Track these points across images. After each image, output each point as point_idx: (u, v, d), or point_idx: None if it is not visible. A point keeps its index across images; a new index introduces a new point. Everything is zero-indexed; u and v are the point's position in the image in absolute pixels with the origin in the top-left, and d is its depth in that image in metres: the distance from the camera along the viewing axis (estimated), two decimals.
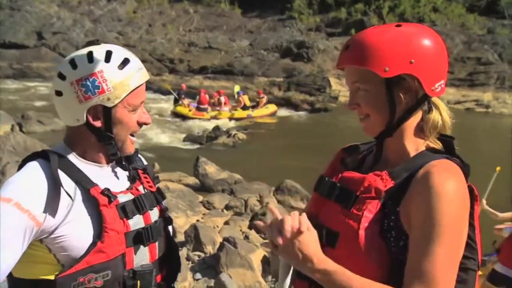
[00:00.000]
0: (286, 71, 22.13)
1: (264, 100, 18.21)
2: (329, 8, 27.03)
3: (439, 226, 1.15)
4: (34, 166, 1.31)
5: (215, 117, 17.20)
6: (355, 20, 25.14)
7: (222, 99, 17.64)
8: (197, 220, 7.40)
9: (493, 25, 24.01)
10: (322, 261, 1.18)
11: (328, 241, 1.26)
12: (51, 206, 1.26)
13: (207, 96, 17.79)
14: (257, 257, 5.81)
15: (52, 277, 1.27)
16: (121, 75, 1.34)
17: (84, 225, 1.31)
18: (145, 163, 1.57)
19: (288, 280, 1.31)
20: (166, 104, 19.13)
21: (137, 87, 1.37)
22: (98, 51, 1.36)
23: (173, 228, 1.67)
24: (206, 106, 17.52)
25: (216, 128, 15.25)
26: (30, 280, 1.31)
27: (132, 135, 1.42)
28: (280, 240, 1.16)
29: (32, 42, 25.38)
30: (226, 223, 7.30)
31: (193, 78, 22.38)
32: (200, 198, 8.72)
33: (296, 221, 1.18)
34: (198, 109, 17.48)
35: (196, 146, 14.26)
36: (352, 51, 1.27)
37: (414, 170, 1.24)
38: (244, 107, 17.68)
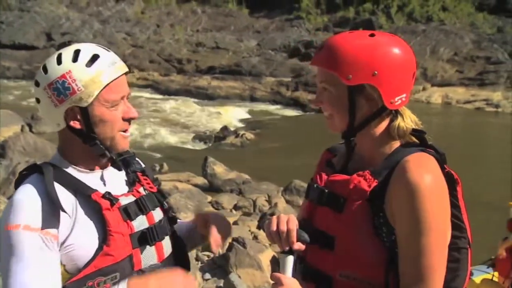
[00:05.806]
0: (294, 71, 22.07)
1: None
2: (337, 7, 26.95)
3: (423, 222, 1.22)
4: (28, 187, 1.30)
5: None
6: (363, 19, 25.04)
7: None
8: None
9: (502, 23, 23.80)
10: None
11: (327, 245, 1.32)
12: (55, 220, 1.27)
13: None
14: (266, 257, 5.80)
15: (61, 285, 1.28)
16: (90, 72, 1.30)
17: (88, 232, 1.31)
18: (143, 165, 1.56)
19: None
20: (175, 104, 19.17)
21: (111, 82, 1.32)
22: (67, 51, 1.33)
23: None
24: None
25: (224, 128, 15.27)
26: None
27: (124, 131, 1.38)
28: None
29: (41, 43, 25.53)
30: (235, 223, 7.30)
31: (201, 78, 22.39)
32: (209, 198, 8.72)
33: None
34: None
35: (205, 146, 14.28)
36: (323, 53, 1.32)
37: (392, 167, 1.28)
38: None
